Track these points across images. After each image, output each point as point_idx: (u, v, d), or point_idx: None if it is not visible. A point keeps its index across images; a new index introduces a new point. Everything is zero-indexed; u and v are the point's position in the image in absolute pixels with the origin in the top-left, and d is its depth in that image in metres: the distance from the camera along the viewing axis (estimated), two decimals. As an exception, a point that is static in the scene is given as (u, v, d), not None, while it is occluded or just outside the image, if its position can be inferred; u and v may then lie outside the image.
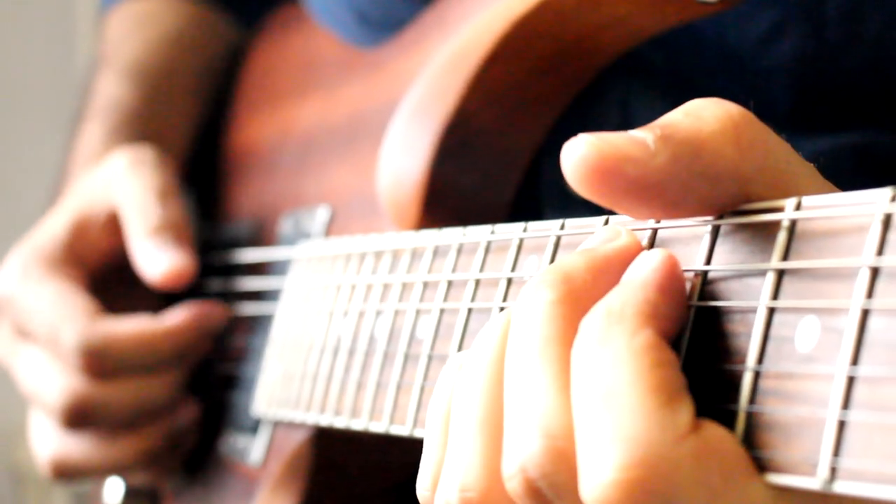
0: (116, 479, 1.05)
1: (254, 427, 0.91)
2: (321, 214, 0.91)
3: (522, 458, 0.50)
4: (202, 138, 1.15)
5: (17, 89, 2.51)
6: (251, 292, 0.96)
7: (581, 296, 0.51)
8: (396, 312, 0.73)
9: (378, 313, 0.75)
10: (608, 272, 0.52)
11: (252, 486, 0.91)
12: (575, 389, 0.49)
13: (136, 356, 0.93)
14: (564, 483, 0.49)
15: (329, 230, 0.90)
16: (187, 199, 1.08)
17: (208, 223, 1.09)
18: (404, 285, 0.74)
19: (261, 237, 1.00)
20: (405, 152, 0.82)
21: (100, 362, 0.91)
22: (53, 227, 0.99)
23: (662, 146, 0.50)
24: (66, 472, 0.97)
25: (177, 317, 0.95)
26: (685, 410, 0.47)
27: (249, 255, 0.99)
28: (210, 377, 0.99)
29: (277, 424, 0.89)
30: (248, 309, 0.96)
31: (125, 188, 0.97)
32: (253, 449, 0.91)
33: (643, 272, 0.50)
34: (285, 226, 0.96)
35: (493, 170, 0.83)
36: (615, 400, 0.47)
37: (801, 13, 0.80)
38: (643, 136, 0.51)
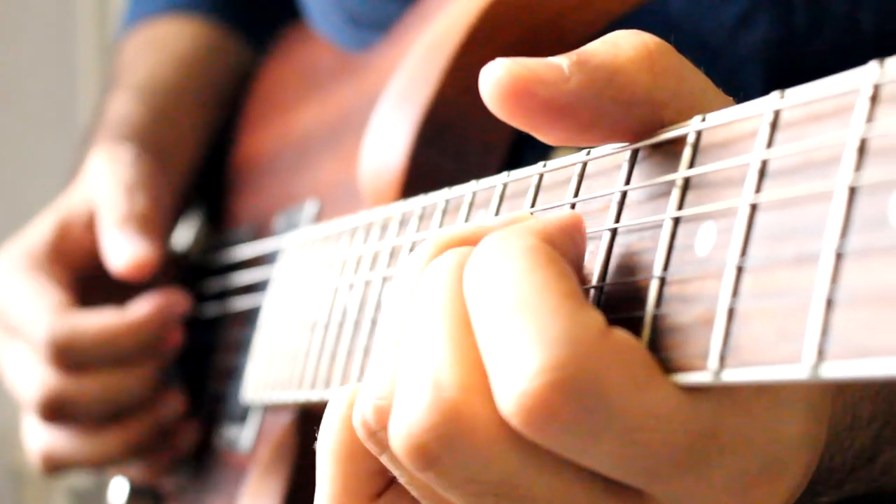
0: (121, 479, 1.07)
1: (244, 415, 0.93)
2: (309, 208, 0.94)
3: (408, 413, 0.48)
4: (213, 152, 1.18)
5: (17, 89, 2.55)
6: (245, 286, 0.99)
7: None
8: (366, 283, 0.75)
9: (350, 286, 0.77)
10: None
11: (242, 473, 0.92)
12: (478, 309, 0.48)
13: (99, 349, 0.95)
14: (453, 436, 0.47)
15: (318, 222, 0.93)
16: (197, 207, 1.11)
17: (218, 231, 1.12)
18: (374, 256, 0.76)
19: (259, 238, 1.03)
20: (385, 140, 0.84)
21: (66, 356, 0.94)
22: (38, 229, 1.03)
23: (577, 70, 0.52)
24: (55, 466, 0.99)
25: (139, 308, 0.97)
26: (597, 314, 0.48)
27: (242, 251, 1.01)
28: (207, 373, 1.02)
29: (266, 410, 0.91)
30: (242, 303, 0.99)
31: (99, 185, 1.01)
32: (243, 436, 0.93)
33: (541, 216, 0.52)
34: (279, 223, 0.99)
35: (472, 156, 0.85)
36: (529, 305, 0.46)
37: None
38: (559, 60, 0.53)
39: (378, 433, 0.51)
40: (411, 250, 0.70)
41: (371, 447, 0.52)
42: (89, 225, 1.03)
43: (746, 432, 0.48)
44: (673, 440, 0.46)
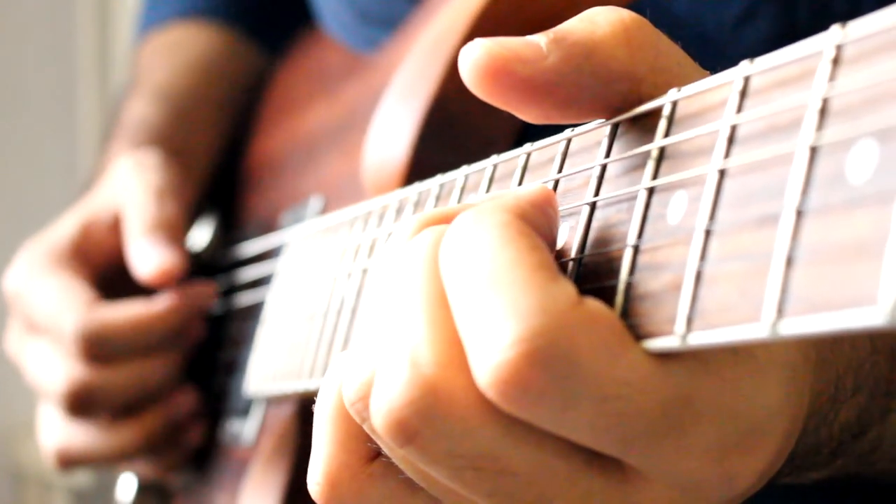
0: (129, 475, 1.08)
1: (246, 409, 0.94)
2: (314, 203, 0.95)
3: (388, 390, 0.49)
4: (228, 155, 1.19)
5: (17, 89, 2.57)
6: (251, 282, 1.00)
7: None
8: (363, 271, 0.76)
9: (349, 275, 0.78)
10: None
11: (246, 466, 0.93)
12: (452, 285, 0.48)
13: (132, 339, 0.96)
14: (432, 411, 0.48)
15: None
16: (211, 210, 1.12)
17: (230, 232, 1.13)
18: (371, 244, 0.76)
19: (266, 234, 1.04)
20: (388, 135, 0.85)
21: (98, 348, 0.95)
22: (63, 228, 1.04)
23: (555, 47, 0.53)
24: (70, 461, 1.00)
25: (168, 298, 0.99)
26: (569, 285, 0.48)
27: (248, 248, 1.02)
28: (212, 370, 1.02)
29: (269, 403, 0.92)
30: (247, 298, 1.00)
31: (127, 189, 1.02)
32: (246, 430, 0.94)
33: (514, 191, 0.52)
34: (285, 220, 0.99)
35: (474, 150, 0.85)
36: (502, 279, 0.47)
37: None
38: (537, 38, 0.53)
39: (362, 411, 0.51)
40: None
41: (358, 422, 0.53)
42: (113, 227, 1.04)
43: (722, 399, 0.48)
44: (646, 407, 0.47)
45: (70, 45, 2.62)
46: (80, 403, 0.96)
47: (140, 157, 1.05)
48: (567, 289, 0.47)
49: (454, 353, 0.49)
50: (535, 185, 0.53)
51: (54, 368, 0.97)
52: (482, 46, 0.53)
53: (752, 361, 0.48)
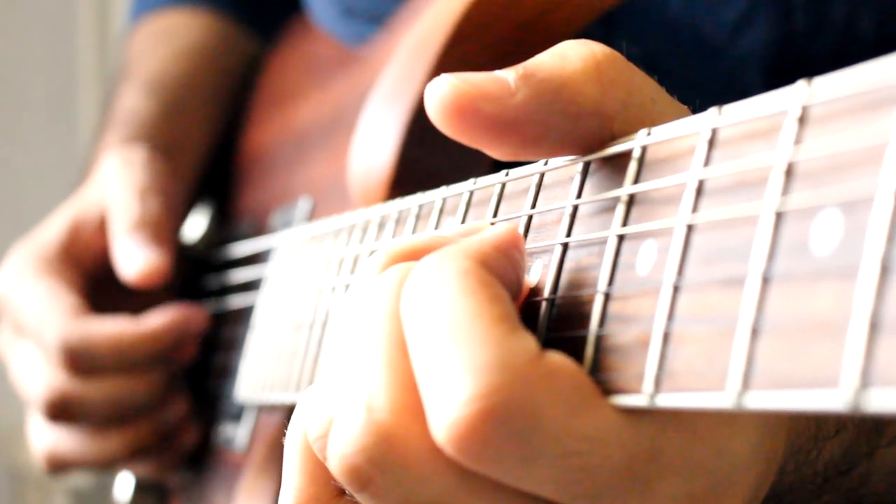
0: (127, 475, 1.07)
1: (239, 414, 0.94)
2: (303, 205, 0.94)
3: (343, 435, 0.48)
4: (221, 146, 1.18)
5: (17, 89, 2.56)
6: (241, 284, 0.99)
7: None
8: (346, 286, 0.75)
9: (333, 289, 0.77)
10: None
11: (238, 472, 0.93)
12: (412, 333, 0.47)
13: (111, 357, 0.95)
14: (384, 458, 0.47)
15: (311, 220, 0.93)
16: (207, 199, 1.11)
17: (225, 224, 1.13)
18: (354, 259, 0.75)
19: (257, 233, 1.03)
20: (374, 137, 0.84)
21: (78, 360, 0.94)
22: (51, 229, 1.03)
23: (523, 84, 0.51)
24: (59, 465, 1.00)
25: (155, 321, 0.97)
26: (530, 338, 0.47)
27: (237, 249, 1.01)
28: (206, 372, 1.02)
29: (261, 409, 0.91)
30: (238, 301, 0.99)
31: (112, 188, 1.00)
32: (238, 435, 0.93)
33: (479, 235, 0.51)
34: (274, 221, 0.98)
35: (461, 155, 0.84)
36: (460, 332, 0.46)
37: (769, 1, 0.80)
38: (505, 75, 0.52)
39: (322, 450, 0.51)
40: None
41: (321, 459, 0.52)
42: (101, 227, 1.02)
43: (691, 452, 0.47)
44: (611, 463, 0.46)
45: (70, 45, 2.60)
46: (59, 411, 0.95)
47: (126, 153, 1.03)
48: (526, 342, 0.46)
49: (410, 399, 0.48)
50: (503, 226, 0.51)
51: (36, 374, 0.97)
52: (447, 83, 0.51)
53: (722, 413, 0.47)
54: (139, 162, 1.02)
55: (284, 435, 0.87)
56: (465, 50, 0.81)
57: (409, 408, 0.47)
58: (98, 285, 1.02)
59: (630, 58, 0.84)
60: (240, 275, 0.99)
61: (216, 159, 1.18)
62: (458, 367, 0.45)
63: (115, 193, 1.00)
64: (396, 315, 0.49)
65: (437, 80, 0.52)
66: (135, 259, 0.97)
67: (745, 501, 0.49)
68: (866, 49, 0.80)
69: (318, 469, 0.53)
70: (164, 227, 0.99)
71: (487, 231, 0.51)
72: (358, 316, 0.51)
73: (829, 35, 0.80)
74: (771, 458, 0.50)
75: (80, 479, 2.07)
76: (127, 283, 0.98)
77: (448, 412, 0.45)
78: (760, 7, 0.81)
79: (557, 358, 0.46)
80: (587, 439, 0.45)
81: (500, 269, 0.49)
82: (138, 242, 0.97)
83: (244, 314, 0.97)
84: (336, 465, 0.48)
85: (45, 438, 1.00)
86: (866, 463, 0.60)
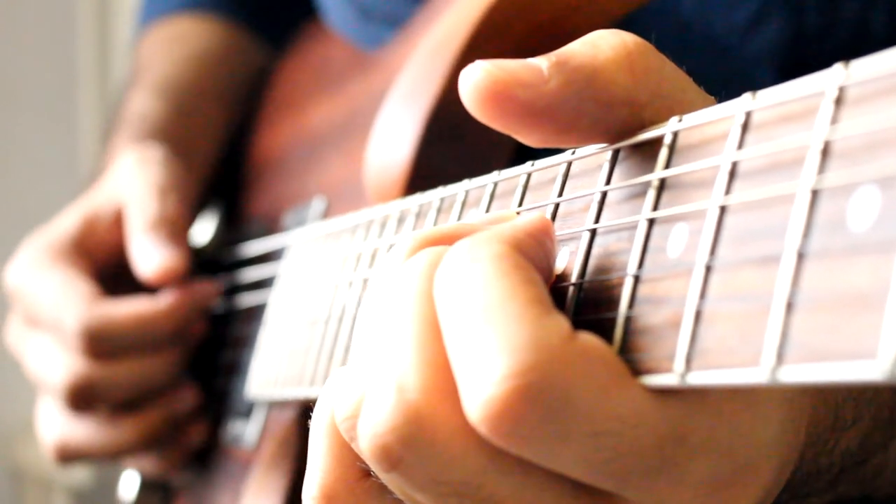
0: (132, 473, 1.08)
1: (248, 411, 0.94)
2: (317, 205, 0.94)
3: (374, 415, 0.48)
4: (231, 149, 1.19)
5: (17, 89, 2.56)
6: (253, 283, 0.99)
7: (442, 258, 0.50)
8: (364, 281, 0.76)
9: (350, 284, 0.78)
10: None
11: (248, 468, 0.93)
12: (446, 314, 0.48)
13: (134, 336, 0.96)
14: (415, 438, 0.47)
15: (325, 219, 0.93)
16: (215, 204, 1.11)
17: (234, 227, 1.13)
18: (372, 254, 0.76)
19: (270, 234, 1.03)
20: (391, 138, 0.84)
21: (100, 343, 0.95)
22: (65, 222, 1.03)
23: (556, 71, 0.52)
24: (69, 455, 1.00)
25: (171, 295, 0.98)
26: (563, 319, 0.47)
27: (251, 248, 1.02)
28: (214, 370, 1.02)
29: (271, 406, 0.91)
30: (250, 299, 0.99)
31: (129, 185, 1.01)
32: (248, 432, 0.93)
33: (511, 222, 0.52)
34: (288, 221, 0.99)
35: (477, 154, 0.85)
36: (495, 313, 0.46)
37: (782, 0, 0.81)
38: (538, 62, 0.52)
39: (350, 431, 0.51)
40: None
41: (347, 441, 0.53)
42: (116, 223, 1.03)
43: (718, 436, 0.48)
44: (641, 444, 0.46)
45: (70, 45, 2.61)
46: (82, 398, 0.96)
47: (143, 152, 1.04)
48: (560, 323, 0.47)
49: (441, 380, 0.48)
50: (534, 214, 0.52)
51: (56, 363, 0.97)
52: (483, 69, 0.52)
53: (749, 396, 0.48)
54: (156, 160, 1.03)
55: (297, 429, 0.88)
56: (483, 51, 0.82)
57: (441, 388, 0.48)
58: (109, 279, 1.03)
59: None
60: (252, 273, 1.00)
61: (225, 163, 1.19)
62: (492, 346, 0.46)
63: (133, 190, 1.01)
64: (427, 296, 0.49)
65: (471, 66, 0.52)
66: (152, 257, 0.98)
67: (765, 487, 0.50)
68: (878, 47, 0.81)
69: (345, 450, 0.53)
70: (180, 226, 1.00)
71: (519, 218, 0.52)
72: (388, 298, 0.51)
73: (840, 34, 0.81)
74: (792, 446, 0.50)
75: (80, 479, 2.06)
76: (144, 281, 0.99)
77: (483, 390, 0.45)
78: (772, 6, 0.81)
79: (589, 339, 0.47)
80: (618, 418, 0.46)
81: (533, 254, 0.50)
82: (156, 241, 0.98)
83: (255, 312, 0.98)
84: (366, 444, 0.48)
85: (57, 428, 1.00)
86: (882, 454, 0.61)
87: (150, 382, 0.98)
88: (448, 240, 0.53)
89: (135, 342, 0.96)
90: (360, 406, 0.50)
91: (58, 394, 0.97)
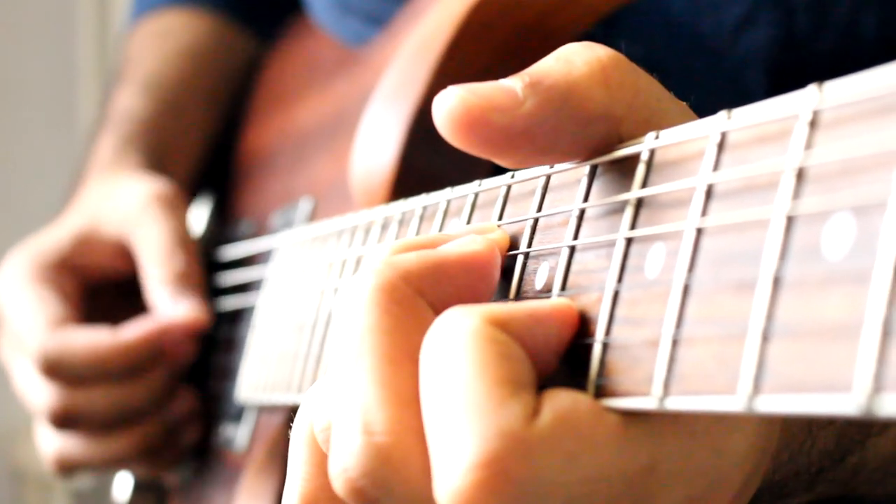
0: (125, 474, 1.07)
1: (239, 414, 0.94)
2: (304, 206, 0.94)
3: (344, 456, 0.48)
4: (220, 145, 1.18)
5: (17, 89, 2.56)
6: (242, 285, 0.99)
7: (405, 286, 0.50)
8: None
9: (335, 290, 0.77)
10: (443, 270, 0.51)
11: (239, 472, 0.93)
12: (425, 381, 0.47)
13: (87, 367, 0.94)
14: (388, 480, 0.47)
15: (312, 220, 0.93)
16: (206, 196, 1.11)
17: (221, 226, 1.13)
18: (356, 260, 0.75)
19: (258, 233, 1.03)
20: (376, 139, 0.84)
21: (56, 370, 0.94)
22: (57, 235, 1.02)
23: (531, 92, 0.51)
24: (68, 468, 1.00)
25: (133, 332, 0.96)
26: (529, 398, 0.46)
27: (237, 250, 1.01)
28: (205, 372, 1.02)
29: (261, 410, 0.91)
30: (239, 301, 0.99)
31: (143, 230, 0.99)
32: (238, 436, 0.93)
33: (522, 304, 0.50)
34: (275, 220, 0.98)
35: (463, 157, 0.84)
36: (463, 392, 0.45)
37: (771, 1, 0.81)
38: (512, 84, 0.51)
39: (327, 443, 0.51)
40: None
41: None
42: (115, 251, 1.01)
43: (691, 459, 0.47)
44: (610, 490, 0.46)
45: (70, 45, 2.60)
46: (63, 421, 0.95)
47: (155, 188, 1.01)
48: (525, 403, 0.45)
49: (408, 416, 0.47)
50: (559, 301, 0.50)
51: (35, 386, 0.97)
52: (456, 96, 0.51)
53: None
54: (168, 202, 1.00)
55: (287, 433, 0.87)
56: (467, 51, 0.81)
57: (409, 426, 0.47)
58: (99, 296, 1.02)
59: (631, 58, 0.84)
60: (240, 275, 0.99)
61: (214, 159, 1.18)
62: (459, 429, 0.45)
63: (147, 240, 0.98)
64: (379, 328, 0.48)
65: (444, 92, 0.51)
66: (178, 311, 0.96)
67: (736, 492, 0.49)
68: (867, 49, 0.80)
69: (325, 460, 0.53)
70: (198, 276, 0.98)
71: (527, 303, 0.51)
72: (349, 323, 0.50)
73: (830, 35, 0.81)
74: (765, 451, 0.50)
75: (80, 479, 2.06)
76: (174, 336, 0.97)
77: (450, 479, 0.45)
78: (762, 8, 0.81)
79: (557, 403, 0.46)
80: (589, 480, 0.45)
81: (521, 332, 0.48)
82: (176, 295, 0.96)
83: (245, 315, 0.97)
84: (340, 486, 0.48)
85: (53, 443, 1.00)
86: (859, 451, 0.60)
87: (133, 404, 0.97)
88: (419, 246, 0.52)
89: (90, 373, 0.94)
90: (329, 439, 0.50)
91: (41, 417, 0.97)
